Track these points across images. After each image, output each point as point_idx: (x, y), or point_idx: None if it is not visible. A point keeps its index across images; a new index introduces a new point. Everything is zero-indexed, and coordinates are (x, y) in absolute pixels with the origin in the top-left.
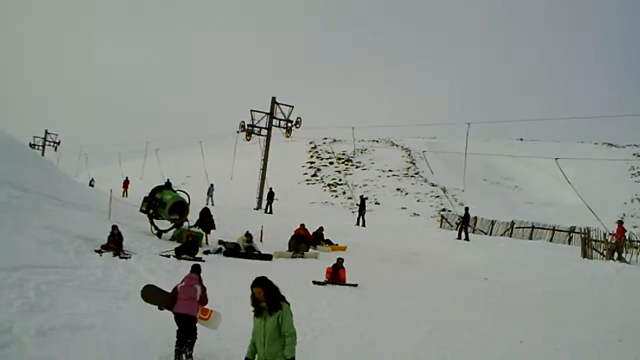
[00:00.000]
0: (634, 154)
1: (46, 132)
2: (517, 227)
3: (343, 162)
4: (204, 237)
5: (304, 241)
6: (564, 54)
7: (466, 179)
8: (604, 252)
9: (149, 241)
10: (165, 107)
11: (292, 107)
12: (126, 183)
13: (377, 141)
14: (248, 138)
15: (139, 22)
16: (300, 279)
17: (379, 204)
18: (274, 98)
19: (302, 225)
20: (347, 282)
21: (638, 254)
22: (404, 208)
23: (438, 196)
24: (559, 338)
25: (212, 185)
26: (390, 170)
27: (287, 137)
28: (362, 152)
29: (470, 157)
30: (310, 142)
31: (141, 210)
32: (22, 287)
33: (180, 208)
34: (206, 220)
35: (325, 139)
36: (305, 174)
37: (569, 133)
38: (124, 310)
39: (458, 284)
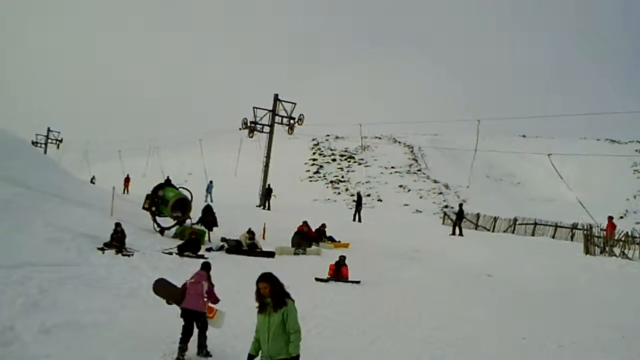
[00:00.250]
0: (636, 150)
1: (48, 130)
2: (519, 224)
3: (345, 159)
4: (207, 235)
5: (307, 238)
6: (566, 52)
7: (470, 176)
8: (606, 248)
9: (152, 238)
10: (167, 105)
11: (295, 104)
12: (127, 180)
13: (379, 138)
14: (251, 135)
15: (139, 22)
16: (303, 276)
17: (381, 200)
18: (276, 95)
19: (305, 223)
20: (349, 279)
21: None
22: (407, 205)
23: (441, 193)
24: (562, 334)
25: (211, 182)
26: (392, 167)
27: (290, 134)
28: (364, 149)
29: (473, 154)
30: (313, 139)
31: (144, 208)
32: (25, 284)
33: (183, 205)
34: (208, 218)
35: (328, 136)
36: (308, 171)
37: (573, 130)
38: (127, 308)
39: (461, 281)
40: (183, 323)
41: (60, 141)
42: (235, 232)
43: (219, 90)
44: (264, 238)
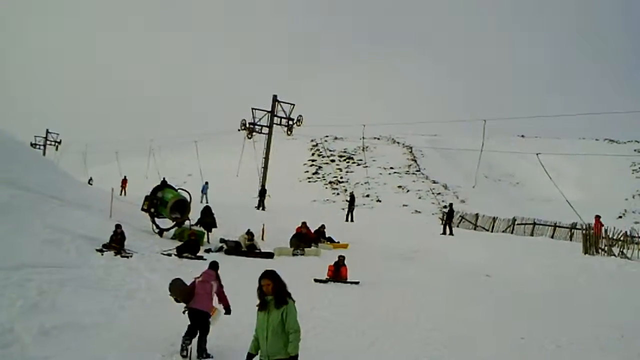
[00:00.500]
0: (635, 150)
1: (47, 132)
2: (518, 224)
3: (344, 160)
4: (206, 236)
5: (306, 239)
6: (566, 52)
7: (468, 176)
8: (605, 248)
9: (151, 240)
10: (167, 105)
11: (293, 105)
12: (124, 182)
13: (378, 138)
14: (249, 136)
15: (140, 22)
16: (302, 277)
17: (380, 201)
18: (275, 96)
19: (304, 224)
20: (348, 279)
21: (639, 249)
22: (406, 205)
23: (439, 193)
24: (560, 334)
25: (206, 183)
26: (391, 168)
27: (288, 135)
28: (365, 150)
29: (472, 154)
30: (312, 140)
31: (142, 209)
32: (24, 286)
33: (182, 207)
34: (207, 219)
35: (327, 136)
36: (307, 172)
37: (574, 130)
38: (126, 309)
39: (460, 281)
40: (189, 322)
41: (59, 143)
42: (234, 233)
43: (219, 90)
44: (263, 239)
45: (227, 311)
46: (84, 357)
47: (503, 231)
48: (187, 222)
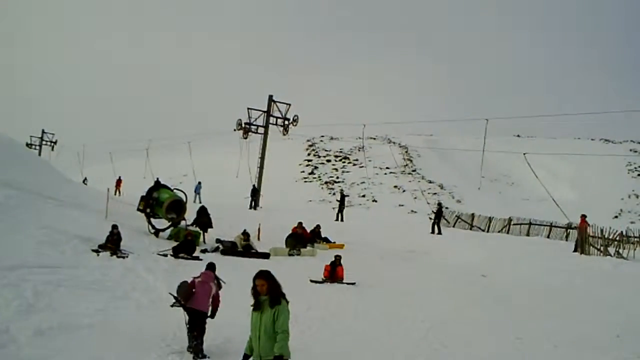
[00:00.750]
0: (630, 150)
1: (43, 132)
2: (514, 224)
3: (340, 160)
4: (201, 236)
5: (302, 240)
6: (567, 52)
7: (463, 176)
8: (601, 247)
9: (146, 240)
10: (165, 105)
11: (289, 105)
12: (119, 182)
13: (374, 138)
14: (245, 136)
15: (139, 22)
16: (298, 277)
17: (376, 201)
18: (270, 96)
19: (300, 224)
20: (345, 280)
21: (635, 249)
22: (402, 205)
23: (435, 193)
24: (557, 334)
25: (199, 183)
26: (387, 168)
27: (284, 134)
28: (362, 150)
29: (468, 154)
30: (308, 140)
31: (138, 209)
32: (19, 287)
33: (178, 207)
34: (203, 219)
35: (323, 136)
36: (303, 172)
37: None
38: (122, 310)
39: (456, 281)
40: (184, 321)
41: (55, 143)
42: (230, 233)
43: (217, 90)
44: (259, 239)
45: (212, 315)
46: (79, 357)
47: (499, 231)
48: (182, 223)
